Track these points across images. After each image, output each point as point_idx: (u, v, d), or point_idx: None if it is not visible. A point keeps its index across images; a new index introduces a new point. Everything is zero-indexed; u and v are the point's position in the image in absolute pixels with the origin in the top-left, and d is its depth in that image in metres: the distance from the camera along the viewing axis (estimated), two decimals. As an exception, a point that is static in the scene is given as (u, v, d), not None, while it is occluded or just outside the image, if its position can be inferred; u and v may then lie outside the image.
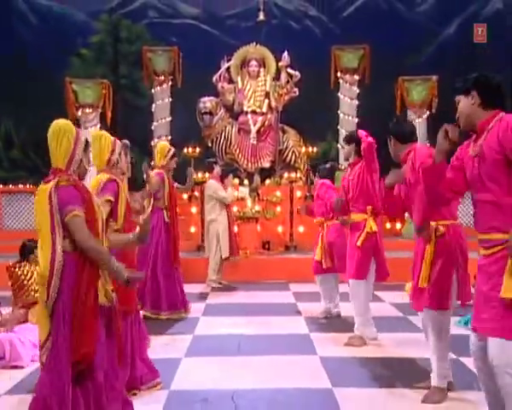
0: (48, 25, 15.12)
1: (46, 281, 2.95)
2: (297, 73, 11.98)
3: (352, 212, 5.51)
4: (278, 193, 10.93)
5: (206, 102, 11.91)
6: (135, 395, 4.00)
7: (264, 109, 12.03)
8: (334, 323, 6.35)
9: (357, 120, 12.42)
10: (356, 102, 12.58)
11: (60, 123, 3.12)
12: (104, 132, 4.36)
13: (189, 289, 7.20)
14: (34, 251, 5.02)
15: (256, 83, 12.19)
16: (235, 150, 12.03)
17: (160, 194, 6.60)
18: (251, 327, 6.19)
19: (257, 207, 10.31)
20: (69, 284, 2.95)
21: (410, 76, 12.32)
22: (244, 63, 12.34)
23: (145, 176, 6.58)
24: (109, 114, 12.31)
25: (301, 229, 10.49)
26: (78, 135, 3.13)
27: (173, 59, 12.67)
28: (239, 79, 12.30)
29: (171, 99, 12.67)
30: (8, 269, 5.34)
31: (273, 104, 12.10)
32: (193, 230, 10.60)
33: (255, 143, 11.90)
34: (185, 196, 10.82)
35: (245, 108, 12.07)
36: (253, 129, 11.91)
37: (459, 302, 3.94)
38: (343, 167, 11.06)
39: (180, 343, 5.54)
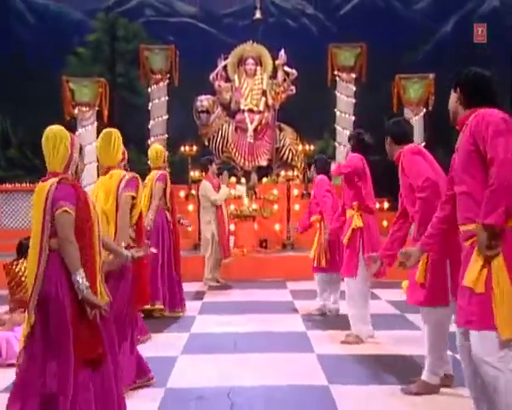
0: (45, 24, 15.04)
1: (32, 280, 2.99)
2: (294, 72, 12.00)
3: (347, 209, 5.58)
4: (275, 191, 10.93)
5: (203, 101, 11.93)
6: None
7: (261, 107, 12.05)
8: (330, 320, 6.36)
9: (353, 118, 12.40)
10: (353, 100, 12.56)
11: (54, 130, 3.14)
12: (114, 130, 4.33)
13: (186, 287, 7.18)
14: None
15: (253, 81, 12.20)
16: (232, 149, 12.04)
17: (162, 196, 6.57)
18: (248, 325, 6.19)
19: (254, 206, 10.30)
20: (55, 281, 2.97)
21: (406, 74, 12.31)
22: (241, 61, 12.36)
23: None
24: (106, 113, 12.27)
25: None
26: (74, 140, 3.17)
27: (170, 57, 12.64)
28: (236, 77, 12.32)
29: (167, 97, 12.64)
30: (5, 267, 5.34)
31: (270, 102, 12.12)
32: (189, 228, 10.57)
33: (252, 141, 11.91)
34: (182, 194, 10.83)
35: (242, 107, 12.09)
36: (250, 127, 11.93)
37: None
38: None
39: (176, 341, 5.54)
